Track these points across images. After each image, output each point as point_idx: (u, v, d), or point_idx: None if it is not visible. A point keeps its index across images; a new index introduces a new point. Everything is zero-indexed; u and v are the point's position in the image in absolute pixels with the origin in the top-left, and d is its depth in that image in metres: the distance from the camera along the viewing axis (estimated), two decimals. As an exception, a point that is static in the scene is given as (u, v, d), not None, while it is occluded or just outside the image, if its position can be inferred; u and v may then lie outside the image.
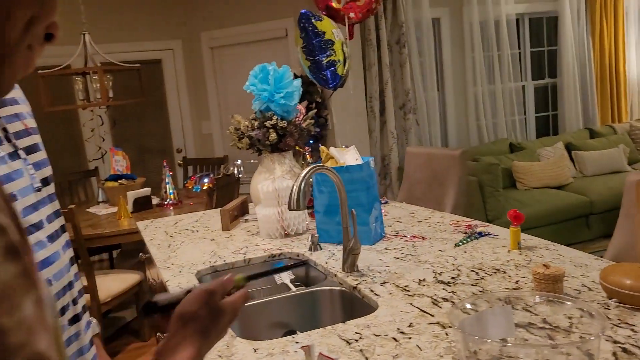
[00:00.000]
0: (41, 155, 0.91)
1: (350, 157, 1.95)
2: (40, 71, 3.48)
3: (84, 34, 3.60)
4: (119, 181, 3.65)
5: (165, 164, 3.69)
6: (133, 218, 3.30)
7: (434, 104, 5.07)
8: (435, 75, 5.09)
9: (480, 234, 1.81)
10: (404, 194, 2.87)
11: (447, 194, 2.59)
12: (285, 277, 1.78)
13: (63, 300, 0.89)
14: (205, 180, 3.60)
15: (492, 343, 0.89)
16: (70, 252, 0.94)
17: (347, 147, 2.05)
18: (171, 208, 3.55)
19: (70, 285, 0.91)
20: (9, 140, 0.84)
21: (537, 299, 1.05)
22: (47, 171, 0.92)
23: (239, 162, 3.61)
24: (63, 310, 0.89)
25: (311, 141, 2.40)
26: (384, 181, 4.90)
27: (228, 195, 3.36)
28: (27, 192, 0.85)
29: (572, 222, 4.24)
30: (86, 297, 2.77)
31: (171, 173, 3.68)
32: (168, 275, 1.72)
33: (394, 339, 1.14)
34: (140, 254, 2.30)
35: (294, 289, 1.71)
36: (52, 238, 0.88)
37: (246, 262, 1.84)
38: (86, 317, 0.97)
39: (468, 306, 0.97)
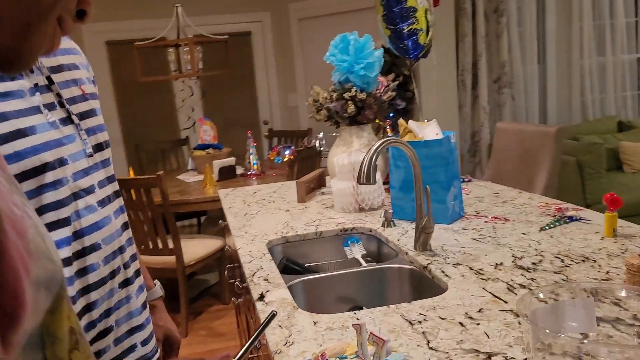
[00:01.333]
0: (96, 120, 0.92)
1: (430, 131, 1.85)
2: (135, 43, 3.65)
3: (176, 7, 3.71)
4: (206, 150, 3.78)
5: (249, 135, 3.76)
6: (217, 186, 3.40)
7: (532, 77, 4.73)
8: (537, 46, 4.73)
9: (571, 218, 1.66)
10: (491, 173, 2.71)
11: (539, 174, 2.40)
12: (357, 252, 1.74)
13: (113, 264, 0.91)
14: (287, 152, 3.63)
15: (566, 338, 0.80)
16: (123, 218, 0.95)
17: (428, 120, 1.95)
18: (254, 178, 3.62)
19: (121, 250, 0.93)
20: (62, 106, 0.86)
21: (626, 293, 0.93)
22: (102, 137, 0.93)
23: (320, 135, 3.59)
24: (113, 274, 0.91)
25: (391, 114, 2.31)
26: (472, 159, 4.69)
27: (309, 168, 3.36)
28: (78, 157, 0.86)
29: (685, 210, 3.82)
30: (170, 259, 2.92)
31: (255, 144, 3.75)
32: (240, 243, 1.74)
33: (461, 323, 1.06)
34: (220, 221, 2.36)
35: (364, 264, 1.67)
36: (103, 203, 0.89)
37: (317, 234, 1.82)
38: (138, 281, 0.99)
39: (541, 295, 0.88)
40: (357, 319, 1.13)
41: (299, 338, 1.06)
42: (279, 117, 5.46)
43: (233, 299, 1.98)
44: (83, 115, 0.89)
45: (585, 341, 0.81)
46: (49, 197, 0.81)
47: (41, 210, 0.80)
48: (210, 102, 5.26)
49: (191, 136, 4.93)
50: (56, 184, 0.81)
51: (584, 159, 3.66)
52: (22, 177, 0.78)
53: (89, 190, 0.87)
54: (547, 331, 0.79)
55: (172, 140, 4.84)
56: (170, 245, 2.96)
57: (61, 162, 0.83)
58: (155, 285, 1.16)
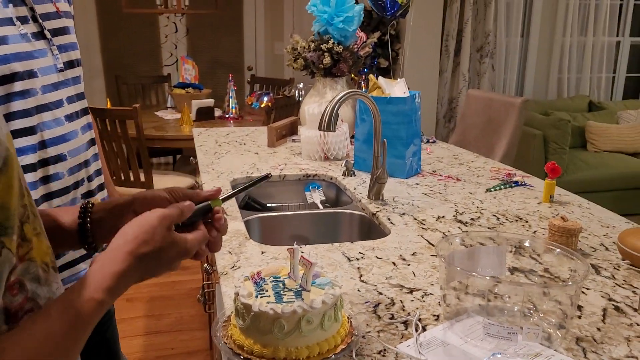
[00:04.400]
0: (69, 38, 0.98)
1: (398, 89, 1.93)
2: (122, -27, 3.59)
3: (166, -61, 3.64)
4: (186, 89, 3.80)
5: (230, 78, 3.78)
6: (194, 126, 3.45)
7: (514, 49, 4.80)
8: (522, 19, 4.78)
9: (516, 183, 1.78)
10: (457, 137, 2.82)
11: (500, 142, 2.52)
12: (317, 197, 1.85)
13: (78, 176, 0.99)
14: (265, 98, 3.68)
15: (476, 275, 0.92)
16: (90, 134, 1.03)
17: (398, 79, 2.03)
18: (231, 122, 3.67)
19: (86, 164, 1.01)
20: (35, 20, 0.91)
21: (527, 243, 1.05)
22: (74, 55, 0.99)
23: (300, 85, 3.64)
24: (77, 185, 0.99)
25: (366, 70, 2.38)
26: (447, 124, 4.79)
27: (285, 117, 3.42)
28: (48, 71, 0.92)
29: (636, 192, 4.01)
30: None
31: (235, 88, 3.78)
32: (206, 179, 1.82)
33: (393, 263, 1.18)
34: (191, 158, 2.44)
35: (321, 208, 1.77)
36: (70, 118, 0.96)
37: (281, 177, 1.91)
38: (101, 195, 1.07)
39: (457, 240, 0.99)
40: (302, 252, 1.24)
41: (245, 264, 1.16)
42: (263, 64, 5.45)
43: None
44: (56, 32, 0.95)
45: (487, 277, 0.93)
46: (17, 105, 0.87)
47: (9, 117, 0.86)
48: (194, 41, 5.21)
49: (173, 74, 4.92)
50: (24, 94, 0.88)
51: (550, 134, 3.80)
52: None
53: (57, 104, 0.94)
54: (458, 269, 0.91)
55: (153, 76, 4.82)
56: (142, 178, 3.03)
57: (31, 74, 0.88)
58: None
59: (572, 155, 3.97)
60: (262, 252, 1.22)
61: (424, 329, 0.92)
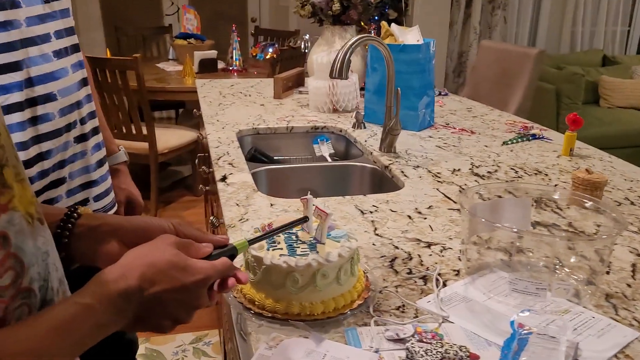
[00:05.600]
0: None
1: (411, 36, 1.83)
2: None
3: None
4: (188, 40, 3.67)
5: (234, 29, 3.65)
6: (197, 78, 3.35)
7: (527, 1, 4.62)
8: (537, -32, 4.59)
9: (534, 136, 1.71)
10: (469, 90, 2.72)
11: (514, 95, 2.43)
12: (325, 150, 1.78)
13: (69, 117, 0.92)
14: (270, 49, 3.55)
15: (502, 229, 0.86)
16: (82, 74, 0.95)
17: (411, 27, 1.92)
18: (235, 74, 3.57)
19: (78, 105, 0.94)
20: None
21: (563, 199, 0.98)
22: None
23: (307, 36, 3.51)
24: (69, 127, 0.92)
25: (376, 18, 2.27)
26: (457, 79, 4.66)
27: (291, 69, 3.31)
28: (33, 2, 0.84)
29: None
30: (143, 145, 2.93)
31: (239, 39, 3.65)
32: (211, 130, 1.75)
33: (409, 216, 1.13)
34: (195, 110, 2.36)
35: (330, 161, 1.71)
36: (59, 54, 0.89)
37: (289, 129, 1.84)
38: (96, 139, 1.01)
39: (482, 191, 0.93)
40: (314, 204, 1.18)
41: (253, 216, 1.11)
42: (267, 15, 5.28)
43: (201, 186, 2.03)
44: None
45: (515, 229, 0.87)
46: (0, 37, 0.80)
47: None
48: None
49: (174, 25, 4.77)
50: (7, 25, 0.80)
51: (563, 88, 3.68)
52: None
53: (44, 38, 0.86)
54: (483, 220, 0.85)
55: (154, 26, 4.68)
56: (144, 131, 2.96)
57: (13, 4, 0.80)
58: (119, 150, 1.18)
59: (584, 112, 3.86)
60: (271, 205, 1.17)
61: (444, 285, 0.87)
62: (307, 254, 0.79)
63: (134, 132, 2.97)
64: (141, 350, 2.19)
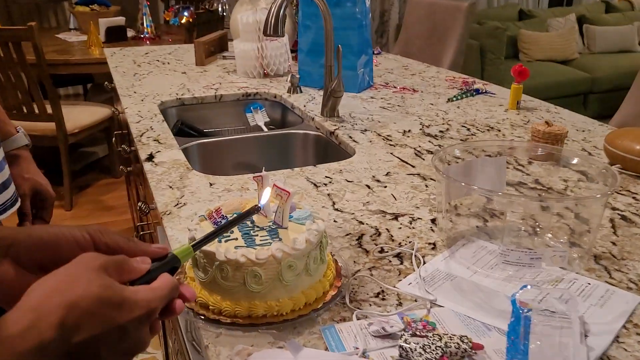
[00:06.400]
0: None
1: (344, -10, 1.69)
2: None
3: None
4: (91, 6, 3.32)
5: (142, -8, 3.33)
6: (104, 47, 3.03)
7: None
8: None
9: (477, 91, 1.64)
10: (399, 48, 2.64)
11: (446, 51, 2.37)
12: (260, 119, 1.62)
13: None
14: (185, 13, 3.28)
15: (478, 193, 0.77)
16: None
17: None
18: (148, 42, 3.27)
19: None
20: None
21: (540, 151, 0.91)
22: None
23: (224, -2, 3.28)
24: None
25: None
26: (380, 39, 4.59)
27: (208, 33, 3.07)
28: None
29: (570, 99, 4.06)
30: (49, 126, 2.63)
31: (148, 3, 3.34)
32: (128, 103, 1.55)
33: (368, 186, 1.01)
34: (106, 82, 2.11)
35: (266, 130, 1.56)
36: None
37: (217, 98, 1.66)
38: None
39: (457, 152, 0.83)
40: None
41: (192, 199, 0.95)
42: (176, -22, 4.91)
43: (121, 167, 1.81)
44: None
45: (497, 194, 0.78)
46: None
47: None
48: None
49: (72, -9, 4.31)
50: None
51: (487, 43, 3.70)
52: None
53: None
54: (462, 184, 0.75)
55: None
56: (49, 110, 2.64)
57: None
58: (18, 132, 0.97)
59: (507, 66, 3.92)
60: (211, 184, 1.01)
61: (424, 262, 0.77)
62: (268, 242, 0.65)
63: (36, 111, 2.65)
64: None
